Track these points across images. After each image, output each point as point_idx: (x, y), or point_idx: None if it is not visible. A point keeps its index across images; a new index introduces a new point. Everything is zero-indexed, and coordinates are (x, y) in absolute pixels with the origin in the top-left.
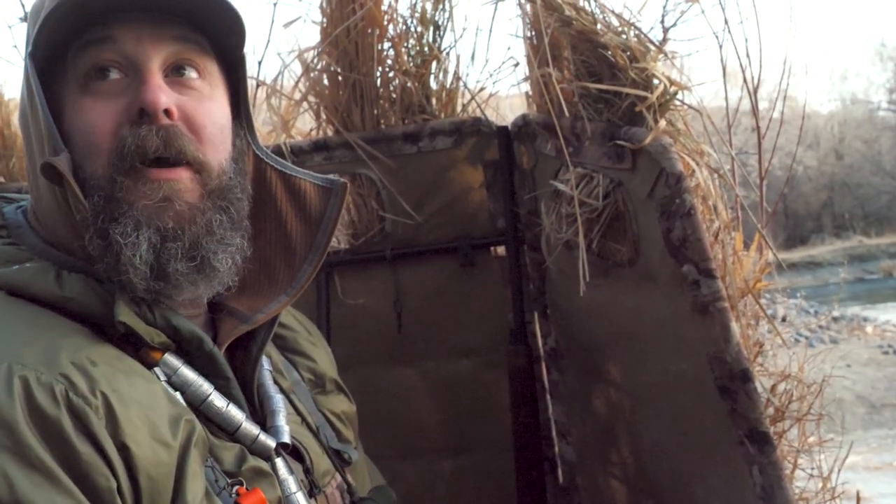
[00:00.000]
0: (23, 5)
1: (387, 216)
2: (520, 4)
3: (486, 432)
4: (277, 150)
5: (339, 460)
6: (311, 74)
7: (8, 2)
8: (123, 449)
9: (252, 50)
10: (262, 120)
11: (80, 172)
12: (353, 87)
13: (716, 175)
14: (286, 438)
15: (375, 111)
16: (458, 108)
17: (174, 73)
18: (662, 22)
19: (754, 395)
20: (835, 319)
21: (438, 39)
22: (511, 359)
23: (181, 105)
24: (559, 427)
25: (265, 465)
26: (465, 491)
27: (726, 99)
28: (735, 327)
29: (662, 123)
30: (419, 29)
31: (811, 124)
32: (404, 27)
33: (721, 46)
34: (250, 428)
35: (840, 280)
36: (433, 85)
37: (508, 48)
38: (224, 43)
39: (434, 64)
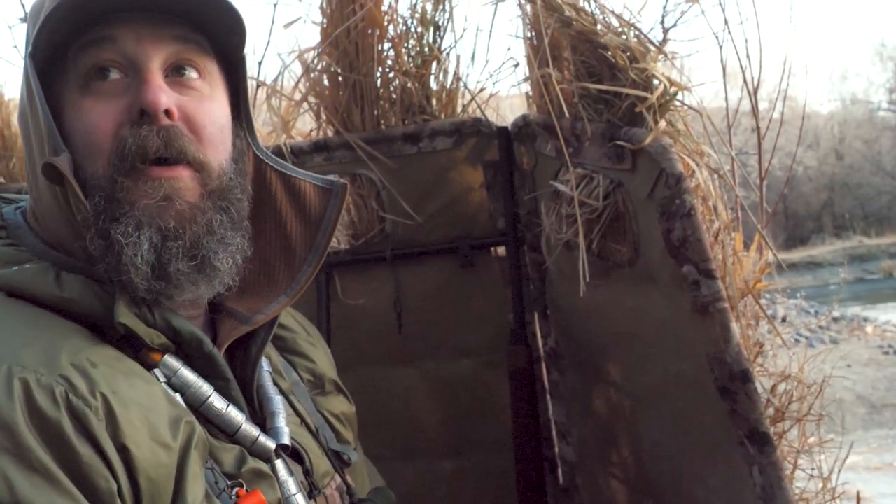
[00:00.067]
0: (23, 5)
1: (387, 216)
2: (520, 5)
3: (487, 433)
4: (277, 151)
5: (339, 461)
6: (312, 75)
7: (8, 2)
8: (123, 450)
9: (252, 50)
10: (262, 120)
11: (81, 173)
12: (353, 87)
13: (716, 175)
14: (286, 440)
15: (375, 112)
16: (459, 109)
17: (174, 73)
18: (662, 22)
19: (754, 396)
20: (835, 320)
21: (439, 40)
22: (511, 359)
23: (181, 105)
24: (559, 427)
25: (265, 467)
26: (465, 491)
27: (726, 99)
28: (735, 328)
29: (662, 124)
30: (419, 29)
31: (811, 124)
32: (404, 28)
33: (721, 47)
34: (250, 429)
35: (840, 280)
36: (433, 85)
37: (508, 49)
38: (224, 43)
39: (434, 64)
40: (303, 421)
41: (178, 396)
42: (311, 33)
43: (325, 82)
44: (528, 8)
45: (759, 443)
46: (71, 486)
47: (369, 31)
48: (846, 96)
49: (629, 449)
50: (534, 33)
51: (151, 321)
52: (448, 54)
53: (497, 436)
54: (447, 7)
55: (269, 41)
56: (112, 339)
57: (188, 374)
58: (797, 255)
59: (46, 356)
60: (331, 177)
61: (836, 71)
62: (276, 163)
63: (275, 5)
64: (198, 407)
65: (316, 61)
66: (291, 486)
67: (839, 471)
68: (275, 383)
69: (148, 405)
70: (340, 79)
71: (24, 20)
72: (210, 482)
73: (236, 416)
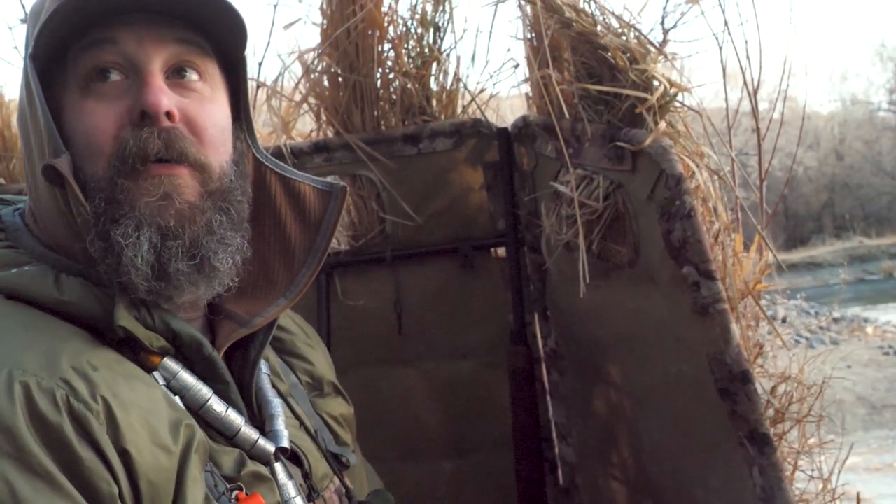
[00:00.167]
0: (23, 6)
1: (387, 217)
2: (520, 6)
3: (487, 433)
4: (278, 152)
5: (338, 464)
6: (312, 76)
7: (8, 2)
8: (124, 454)
9: (252, 51)
10: (262, 121)
11: (81, 174)
12: (353, 88)
13: (716, 176)
14: (285, 443)
15: (376, 112)
16: (459, 110)
17: (175, 74)
18: (662, 23)
19: (754, 397)
20: (835, 320)
21: (439, 41)
22: (511, 360)
23: (182, 107)
24: (559, 428)
25: (264, 470)
26: (466, 492)
27: (726, 100)
28: (735, 329)
29: (662, 125)
30: (419, 30)
31: (811, 125)
32: (404, 29)
33: (721, 48)
34: (249, 432)
35: (840, 281)
36: (433, 86)
37: (508, 50)
38: (225, 44)
39: (434, 65)
40: (301, 423)
41: (177, 399)
42: (311, 34)
43: (326, 83)
44: (528, 9)
45: (759, 444)
46: (72, 489)
47: (369, 32)
48: (846, 97)
49: (629, 450)
50: (534, 34)
51: (151, 324)
52: (448, 55)
53: (497, 436)
54: (447, 8)
55: (269, 42)
56: (111, 341)
57: (187, 377)
58: (797, 255)
59: (47, 360)
60: (330, 179)
61: (837, 71)
62: (275, 165)
63: (275, 6)
64: (197, 410)
65: (316, 62)
66: (291, 489)
67: (839, 472)
68: (273, 386)
69: (148, 408)
70: (340, 80)
71: (24, 21)
72: (210, 485)
73: (235, 419)
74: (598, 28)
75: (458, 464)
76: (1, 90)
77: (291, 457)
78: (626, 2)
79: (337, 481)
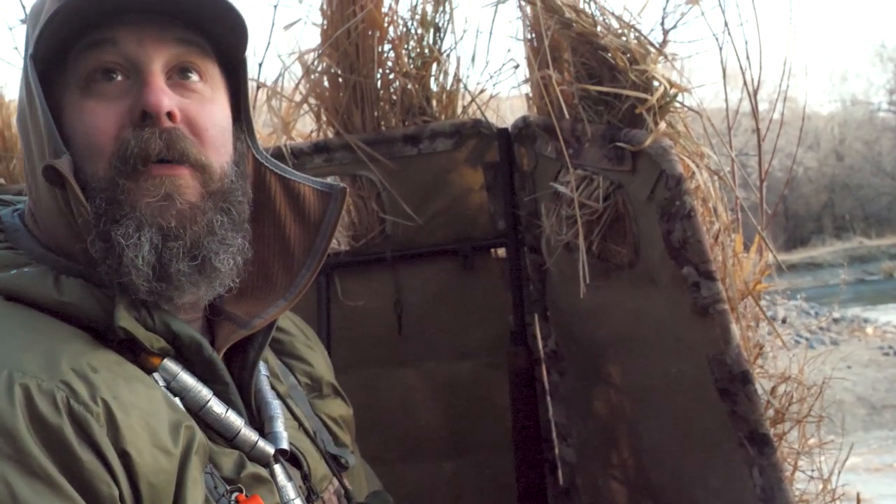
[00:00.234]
0: (23, 6)
1: (387, 218)
2: (520, 6)
3: (487, 434)
4: (278, 152)
5: (337, 465)
6: (312, 76)
7: (8, 3)
8: (124, 456)
9: (252, 52)
10: (262, 121)
11: (81, 175)
12: (353, 88)
13: (716, 177)
14: (285, 445)
15: (376, 113)
16: (459, 110)
17: (176, 75)
18: (662, 24)
19: (754, 397)
20: (835, 321)
21: (439, 41)
22: (511, 360)
23: (183, 108)
24: (559, 429)
25: (264, 472)
26: (466, 492)
27: (726, 101)
28: (735, 329)
29: (662, 125)
30: (419, 31)
31: (811, 125)
32: (405, 29)
33: (721, 48)
34: (249, 434)
35: (840, 281)
36: (433, 87)
37: (509, 50)
38: (225, 45)
39: (434, 66)
40: (300, 425)
41: (177, 401)
42: (311, 35)
43: (326, 84)
44: (528, 10)
45: (759, 444)
46: (73, 491)
47: (369, 33)
48: (846, 97)
49: (629, 450)
50: (534, 35)
51: (151, 325)
52: (448, 56)
53: (497, 437)
54: (447, 8)
55: (269, 42)
56: (111, 343)
57: (187, 379)
58: (797, 256)
59: (47, 361)
60: (330, 180)
61: (837, 72)
62: (275, 166)
63: (275, 7)
64: (197, 411)
65: (316, 63)
66: (290, 490)
67: (839, 472)
68: (272, 387)
69: (149, 410)
70: (341, 80)
71: (24, 21)
72: (209, 487)
73: (235, 420)
74: (599, 28)
75: (458, 464)
76: (1, 90)
77: (291, 458)
78: (626, 2)
79: (336, 482)
